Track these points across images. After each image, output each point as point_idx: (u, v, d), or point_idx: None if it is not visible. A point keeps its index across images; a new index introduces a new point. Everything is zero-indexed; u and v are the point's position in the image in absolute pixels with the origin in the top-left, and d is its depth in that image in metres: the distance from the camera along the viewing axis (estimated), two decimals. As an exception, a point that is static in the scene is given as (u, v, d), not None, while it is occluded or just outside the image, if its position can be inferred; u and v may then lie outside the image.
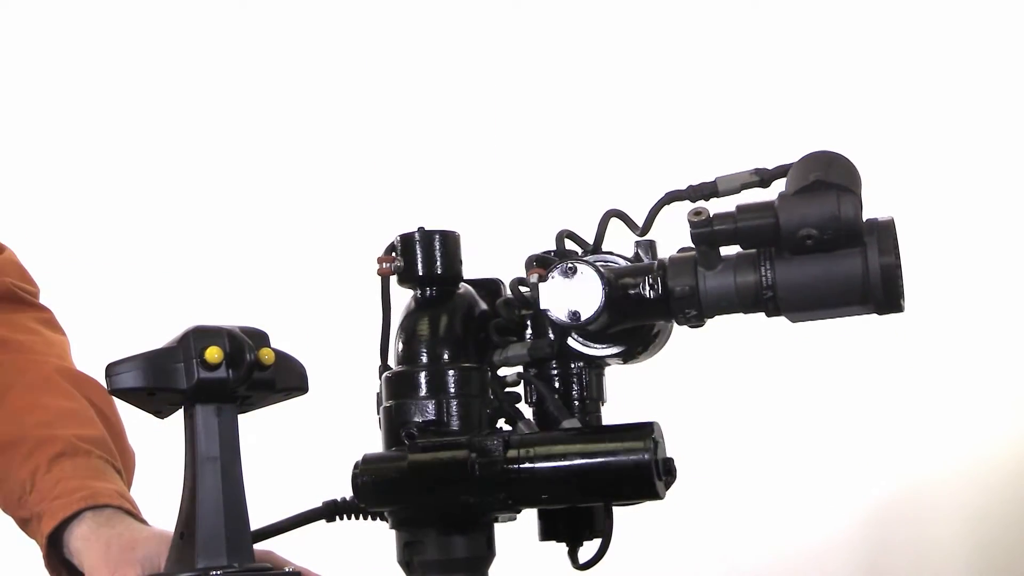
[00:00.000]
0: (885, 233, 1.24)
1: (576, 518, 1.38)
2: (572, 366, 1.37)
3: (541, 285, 1.31)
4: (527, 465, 1.30)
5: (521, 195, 2.59)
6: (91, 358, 1.48)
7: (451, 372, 1.35)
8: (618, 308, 1.30)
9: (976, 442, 2.60)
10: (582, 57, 2.72)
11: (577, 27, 2.74)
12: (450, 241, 1.39)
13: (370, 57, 2.79)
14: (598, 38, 2.73)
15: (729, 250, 1.28)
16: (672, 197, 1.32)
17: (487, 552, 1.36)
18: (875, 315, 1.26)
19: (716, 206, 1.28)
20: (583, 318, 1.29)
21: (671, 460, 1.31)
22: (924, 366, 2.61)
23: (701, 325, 1.32)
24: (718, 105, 2.54)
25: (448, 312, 1.38)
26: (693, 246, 1.28)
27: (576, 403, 1.37)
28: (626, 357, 1.36)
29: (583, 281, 1.29)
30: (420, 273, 1.38)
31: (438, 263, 1.38)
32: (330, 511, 1.48)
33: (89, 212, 2.72)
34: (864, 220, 1.24)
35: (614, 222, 1.36)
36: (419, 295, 1.40)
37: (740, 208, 1.26)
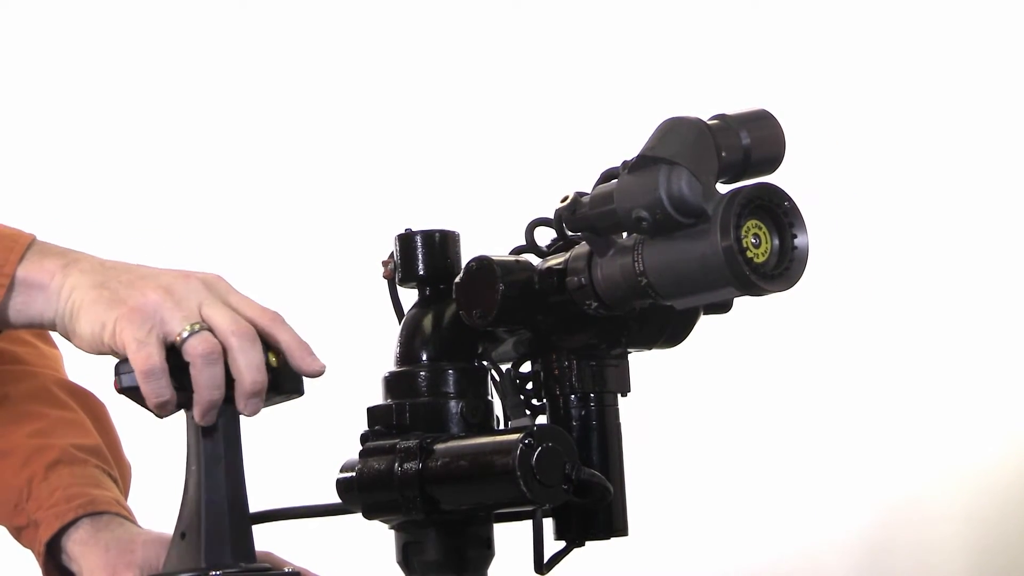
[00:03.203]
0: (727, 205, 1.12)
1: (586, 516, 1.34)
2: (563, 359, 1.32)
3: (455, 285, 1.30)
4: (434, 470, 1.27)
5: (521, 194, 2.59)
6: (88, 358, 1.47)
7: (420, 373, 1.34)
8: (529, 304, 1.27)
9: (977, 443, 2.59)
10: (578, 55, 2.72)
11: (572, 22, 2.74)
12: (447, 240, 1.39)
13: (369, 57, 2.79)
14: (594, 35, 2.73)
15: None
16: (609, 175, 1.22)
17: (487, 552, 1.35)
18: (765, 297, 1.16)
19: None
20: (484, 316, 1.26)
21: (578, 466, 1.23)
22: (925, 367, 2.61)
23: (618, 313, 1.24)
24: (717, 101, 2.53)
25: (435, 312, 1.37)
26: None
27: (573, 397, 1.32)
28: (609, 347, 1.32)
29: (483, 280, 1.27)
30: (419, 273, 1.38)
31: (435, 262, 1.38)
32: None
33: (88, 213, 2.72)
34: (723, 192, 1.13)
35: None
36: (418, 295, 1.40)
37: (593, 192, 1.20)
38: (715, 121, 1.16)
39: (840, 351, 2.60)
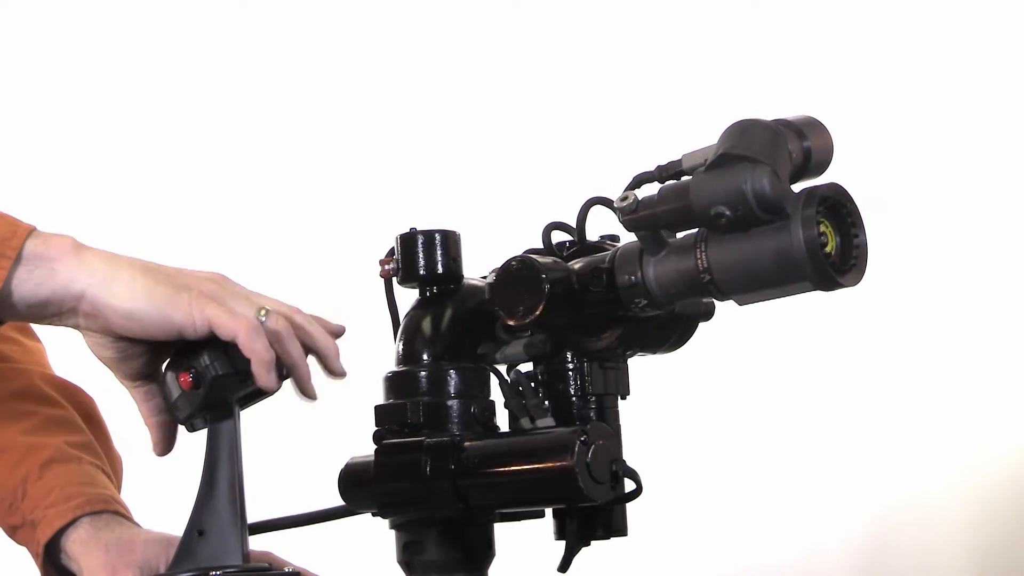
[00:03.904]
0: (807, 203, 1.16)
1: (588, 517, 1.35)
2: (573, 361, 1.34)
3: (488, 285, 1.30)
4: (473, 467, 1.28)
5: (521, 193, 2.59)
6: (72, 351, 1.47)
7: (422, 373, 1.35)
8: (569, 303, 1.28)
9: (977, 445, 2.60)
10: (579, 54, 2.72)
11: (575, 24, 2.74)
12: (449, 240, 1.39)
13: (370, 57, 2.79)
14: (594, 35, 2.73)
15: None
16: (641, 179, 1.25)
17: (487, 552, 1.36)
18: (830, 294, 1.19)
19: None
20: (527, 314, 1.27)
21: (622, 463, 1.26)
22: (926, 369, 2.61)
23: (661, 312, 1.28)
24: (719, 101, 2.54)
25: (439, 312, 1.37)
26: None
27: (576, 399, 1.34)
28: (625, 351, 1.34)
29: (525, 279, 1.28)
30: (421, 273, 1.38)
31: (438, 263, 1.38)
32: None
33: (88, 213, 2.72)
34: (799, 190, 1.17)
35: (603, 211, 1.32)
36: (419, 295, 1.40)
37: (661, 190, 1.21)
38: (780, 125, 1.19)
39: (841, 353, 2.61)
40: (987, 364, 2.60)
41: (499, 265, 1.31)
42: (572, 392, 1.34)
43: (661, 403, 2.28)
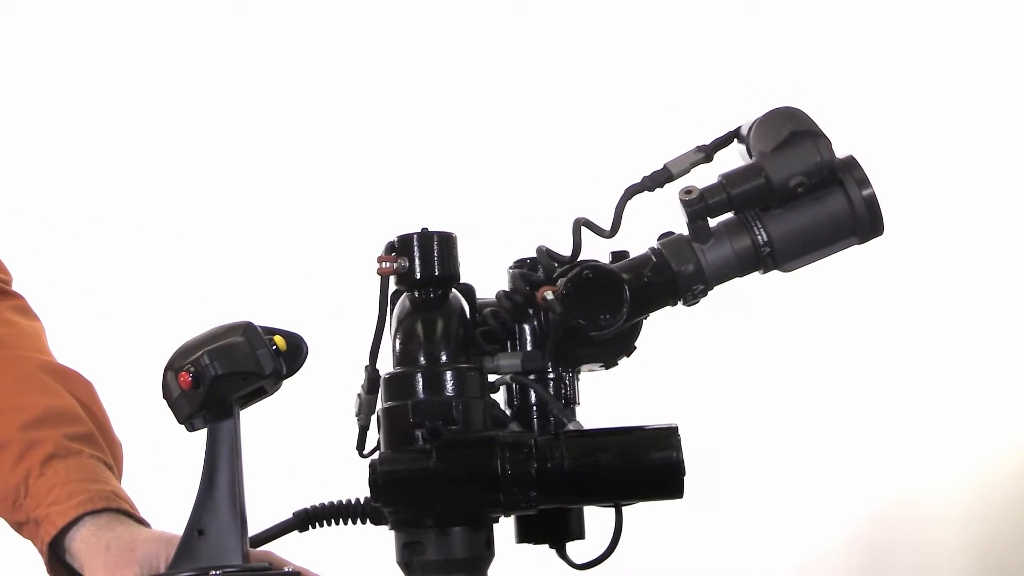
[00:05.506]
0: (855, 166, 1.31)
1: (557, 520, 1.38)
2: (555, 371, 1.38)
3: (560, 300, 1.31)
4: (558, 464, 1.30)
5: (517, 196, 2.60)
6: (70, 331, 1.47)
7: (453, 373, 1.35)
8: (636, 304, 1.32)
9: (975, 443, 2.60)
10: (579, 58, 2.73)
11: (575, 28, 2.74)
12: (448, 242, 1.39)
13: (370, 57, 2.79)
14: (595, 39, 2.73)
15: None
16: (633, 191, 1.35)
17: (487, 552, 1.36)
18: (861, 247, 1.33)
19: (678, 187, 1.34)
20: (613, 319, 1.30)
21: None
22: (924, 368, 2.61)
23: (697, 301, 1.35)
24: (724, 105, 2.54)
25: (449, 313, 1.38)
26: (686, 223, 1.33)
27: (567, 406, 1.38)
28: (608, 361, 1.39)
29: (604, 286, 1.31)
30: (418, 275, 1.38)
31: (436, 265, 1.38)
32: (302, 521, 1.48)
33: (89, 215, 2.72)
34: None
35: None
36: (416, 296, 1.40)
37: (727, 177, 1.32)
38: None
39: (840, 352, 2.61)
40: (987, 364, 2.60)
41: (568, 276, 1.32)
42: (564, 399, 1.38)
43: (660, 404, 2.28)
